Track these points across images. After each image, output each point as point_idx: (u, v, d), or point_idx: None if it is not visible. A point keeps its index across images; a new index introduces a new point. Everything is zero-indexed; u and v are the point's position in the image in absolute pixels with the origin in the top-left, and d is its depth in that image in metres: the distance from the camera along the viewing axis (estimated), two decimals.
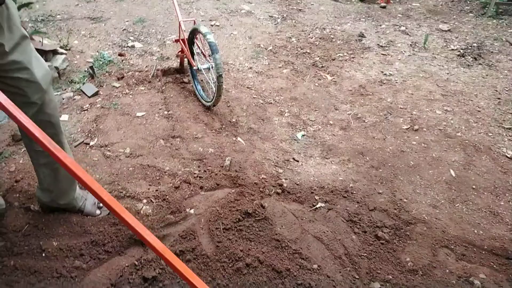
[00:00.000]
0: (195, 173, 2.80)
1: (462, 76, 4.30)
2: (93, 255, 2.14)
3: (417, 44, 4.97)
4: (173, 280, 2.07)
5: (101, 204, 2.41)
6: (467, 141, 3.30)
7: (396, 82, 4.10)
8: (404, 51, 4.79)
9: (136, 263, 2.13)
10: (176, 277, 2.08)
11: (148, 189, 2.62)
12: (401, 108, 3.70)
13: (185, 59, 3.75)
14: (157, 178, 2.72)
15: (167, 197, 2.57)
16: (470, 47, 4.90)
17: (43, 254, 2.11)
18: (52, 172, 2.10)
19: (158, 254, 1.50)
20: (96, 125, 3.14)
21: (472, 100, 3.87)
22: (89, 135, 3.04)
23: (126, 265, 2.12)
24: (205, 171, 2.83)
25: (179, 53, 3.74)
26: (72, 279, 2.02)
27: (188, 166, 2.86)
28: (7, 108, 1.37)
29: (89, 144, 2.95)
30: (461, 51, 4.81)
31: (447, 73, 4.34)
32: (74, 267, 2.07)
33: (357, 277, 2.21)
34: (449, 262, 2.32)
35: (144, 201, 2.53)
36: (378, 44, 4.94)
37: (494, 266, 2.30)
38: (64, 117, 3.17)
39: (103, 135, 3.05)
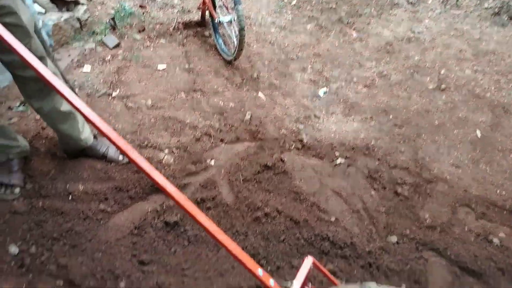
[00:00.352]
0: (215, 126, 2.81)
1: (495, 36, 4.08)
2: (117, 200, 2.22)
3: (449, 2, 4.72)
4: (194, 226, 2.13)
5: None
6: (496, 102, 3.19)
7: (425, 40, 3.93)
8: (435, 8, 4.56)
9: (159, 208, 2.19)
10: (196, 223, 2.14)
11: (170, 140, 2.65)
12: (428, 67, 3.57)
13: (207, 12, 3.66)
14: (179, 129, 2.74)
15: (188, 148, 2.60)
16: (506, 6, 4.62)
17: (70, 197, 2.19)
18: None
19: (172, 198, 1.50)
20: (118, 77, 3.15)
21: (504, 61, 3.70)
22: (111, 86, 3.06)
23: (149, 210, 2.18)
24: (225, 124, 2.84)
25: (201, 6, 3.65)
26: (98, 221, 2.11)
27: (209, 119, 2.86)
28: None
29: (111, 95, 2.98)
30: (496, 9, 4.54)
31: (479, 32, 4.13)
32: (99, 210, 2.15)
33: (374, 230, 2.22)
34: (469, 220, 2.30)
35: (166, 151, 2.56)
36: (408, 1, 4.71)
37: None
38: (86, 68, 3.19)
39: (125, 87, 3.07)
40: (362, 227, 2.23)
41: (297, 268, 2.00)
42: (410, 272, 2.00)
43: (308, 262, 1.46)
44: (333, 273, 1.99)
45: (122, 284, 1.82)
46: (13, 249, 1.94)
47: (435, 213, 2.32)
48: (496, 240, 2.17)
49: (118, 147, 1.50)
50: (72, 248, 1.95)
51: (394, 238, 2.18)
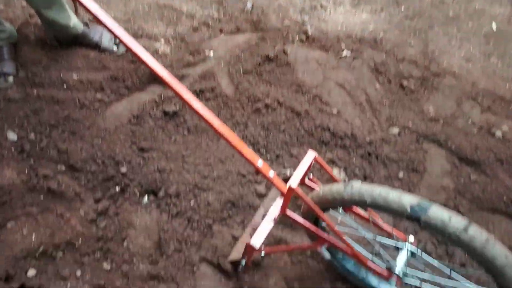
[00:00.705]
0: (214, 16, 2.63)
1: None
2: (113, 90, 2.16)
3: None
4: (193, 116, 2.10)
5: (117, 41, 2.34)
6: None
7: None
8: None
9: (157, 98, 2.14)
10: (196, 114, 2.11)
11: (166, 29, 2.51)
12: None
13: None
14: (175, 19, 2.58)
15: (185, 38, 2.46)
16: None
17: (64, 86, 2.13)
18: None
19: (167, 85, 1.43)
20: None
21: None
22: None
23: (147, 100, 2.14)
24: (225, 14, 2.66)
25: None
26: (95, 110, 2.07)
27: (207, 8, 2.67)
28: None
29: None
30: None
31: None
32: (96, 99, 2.10)
33: (376, 122, 2.19)
34: (473, 113, 2.26)
35: (162, 41, 2.43)
36: None
37: None
38: None
39: None
40: (364, 119, 2.19)
41: (296, 157, 2.02)
42: (409, 162, 2.01)
43: (310, 155, 1.42)
44: (332, 162, 2.01)
45: (123, 169, 1.85)
46: (12, 136, 1.93)
47: (440, 106, 2.27)
48: (498, 133, 2.14)
49: (114, 34, 1.40)
50: (71, 135, 1.94)
51: (395, 130, 2.15)
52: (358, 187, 1.14)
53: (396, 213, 1.06)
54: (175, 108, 2.09)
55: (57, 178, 1.81)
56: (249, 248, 1.38)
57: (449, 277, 1.21)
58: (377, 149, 2.05)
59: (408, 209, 1.02)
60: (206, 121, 1.36)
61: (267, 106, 2.15)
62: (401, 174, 1.97)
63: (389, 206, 1.06)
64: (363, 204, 1.14)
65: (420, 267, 1.34)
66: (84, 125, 1.98)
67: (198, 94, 2.18)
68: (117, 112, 2.09)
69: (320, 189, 1.29)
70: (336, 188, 1.21)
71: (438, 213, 1.00)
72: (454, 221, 0.98)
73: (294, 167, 1.97)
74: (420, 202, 1.03)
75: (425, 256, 1.28)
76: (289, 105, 2.16)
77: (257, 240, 1.35)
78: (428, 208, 1.01)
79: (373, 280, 1.56)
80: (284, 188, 1.36)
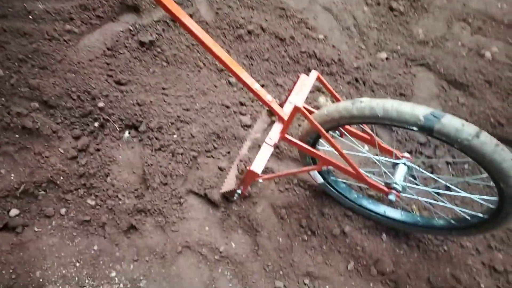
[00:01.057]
0: None
1: None
2: (84, 20, 2.00)
3: None
4: (172, 45, 1.98)
5: None
6: None
7: None
8: None
9: (131, 28, 2.00)
10: (175, 43, 1.99)
11: None
12: None
13: None
14: None
15: None
16: None
17: (30, 17, 1.95)
18: None
19: None
20: None
21: None
22: None
23: (121, 30, 1.99)
24: None
25: None
26: (66, 42, 1.93)
27: None
28: None
29: None
30: None
31: None
32: (65, 30, 1.95)
33: (364, 47, 2.11)
34: (463, 35, 2.18)
35: None
36: None
37: (510, 40, 2.17)
38: None
39: None
40: (351, 44, 2.10)
41: (281, 86, 1.95)
42: (397, 86, 1.96)
43: (313, 75, 1.37)
44: (318, 90, 1.95)
45: (100, 103, 1.76)
46: None
47: (429, 28, 2.18)
48: (488, 54, 2.09)
49: None
50: (41, 70, 1.82)
51: (383, 55, 2.08)
52: (368, 102, 1.11)
53: (409, 124, 1.05)
54: (152, 37, 1.96)
55: (31, 116, 1.72)
56: (250, 175, 1.34)
57: (447, 188, 1.24)
58: (364, 74, 1.98)
59: (422, 119, 1.01)
60: (196, 37, 1.28)
61: (249, 32, 2.03)
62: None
63: (402, 118, 1.04)
64: (374, 119, 1.11)
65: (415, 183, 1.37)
66: (55, 59, 1.85)
67: (175, 23, 2.04)
68: (90, 44, 1.95)
69: (325, 108, 1.24)
70: (343, 106, 1.16)
71: (452, 121, 1.00)
72: (466, 128, 0.99)
73: (279, 96, 1.91)
74: (433, 111, 1.02)
75: (420, 170, 1.31)
76: (273, 31, 2.05)
77: (258, 165, 1.32)
78: (442, 116, 1.00)
79: (363, 200, 1.59)
80: (283, 113, 1.33)
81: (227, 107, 1.87)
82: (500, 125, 1.84)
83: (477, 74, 1.99)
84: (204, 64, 1.99)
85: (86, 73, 1.83)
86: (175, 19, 1.30)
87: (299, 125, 1.86)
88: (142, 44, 1.96)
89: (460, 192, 1.31)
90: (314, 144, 1.39)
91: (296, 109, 1.19)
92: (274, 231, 1.60)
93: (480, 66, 2.02)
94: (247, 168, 1.33)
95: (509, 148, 1.78)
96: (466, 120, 1.86)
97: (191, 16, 2.05)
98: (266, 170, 1.72)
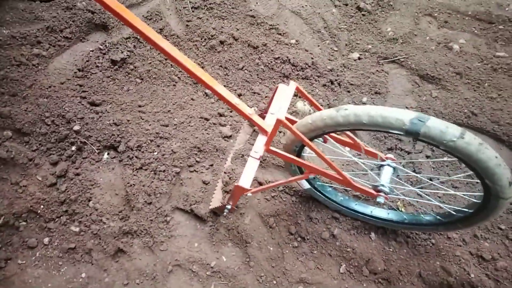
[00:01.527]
0: None
1: None
2: (51, 42, 1.95)
3: None
4: (145, 61, 1.96)
5: None
6: None
7: None
8: None
9: (101, 47, 1.97)
10: (147, 59, 1.97)
11: None
12: None
13: None
14: None
15: None
16: None
17: None
18: None
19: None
20: None
21: None
22: None
23: (91, 49, 1.96)
24: None
25: None
26: (35, 67, 1.88)
27: None
28: None
29: None
30: None
31: None
32: (33, 54, 1.90)
33: (336, 49, 2.13)
34: (431, 29, 2.23)
35: None
36: None
37: (475, 31, 2.23)
38: None
39: None
40: (323, 47, 2.12)
41: (258, 94, 1.95)
42: (372, 85, 1.99)
43: (292, 87, 1.37)
44: (295, 95, 1.96)
45: (76, 126, 1.72)
46: None
47: (398, 25, 2.22)
48: (456, 47, 2.14)
49: None
50: (12, 97, 1.76)
51: (355, 55, 2.11)
52: (353, 109, 1.11)
53: (394, 129, 1.06)
54: (123, 55, 1.94)
55: (5, 145, 1.66)
56: (237, 190, 1.33)
57: (431, 184, 1.26)
58: (339, 76, 2.01)
59: (407, 123, 1.02)
60: (167, 54, 1.26)
61: (222, 42, 2.03)
62: (364, 99, 1.96)
63: (388, 123, 1.05)
64: (360, 126, 1.12)
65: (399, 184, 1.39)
66: (25, 85, 1.80)
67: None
68: (60, 66, 1.91)
69: (308, 118, 1.25)
70: (328, 114, 1.17)
71: (436, 123, 1.01)
72: (451, 129, 1.01)
73: (257, 104, 1.91)
74: (418, 115, 1.04)
75: (406, 171, 1.33)
76: (245, 39, 2.05)
77: (246, 180, 1.31)
78: (427, 120, 1.02)
79: (350, 202, 1.60)
80: (265, 125, 1.32)
81: (206, 119, 1.86)
82: (474, 115, 1.89)
83: (447, 67, 2.04)
84: (179, 78, 1.98)
85: (59, 96, 1.79)
86: (146, 40, 1.27)
87: (282, 132, 1.87)
88: (114, 62, 1.93)
89: (447, 190, 1.33)
90: (299, 153, 1.39)
91: (279, 122, 1.19)
92: (264, 240, 1.60)
93: (449, 59, 2.08)
94: (235, 184, 1.32)
95: (485, 137, 1.85)
96: (441, 113, 1.92)
97: (161, 30, 2.04)
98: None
